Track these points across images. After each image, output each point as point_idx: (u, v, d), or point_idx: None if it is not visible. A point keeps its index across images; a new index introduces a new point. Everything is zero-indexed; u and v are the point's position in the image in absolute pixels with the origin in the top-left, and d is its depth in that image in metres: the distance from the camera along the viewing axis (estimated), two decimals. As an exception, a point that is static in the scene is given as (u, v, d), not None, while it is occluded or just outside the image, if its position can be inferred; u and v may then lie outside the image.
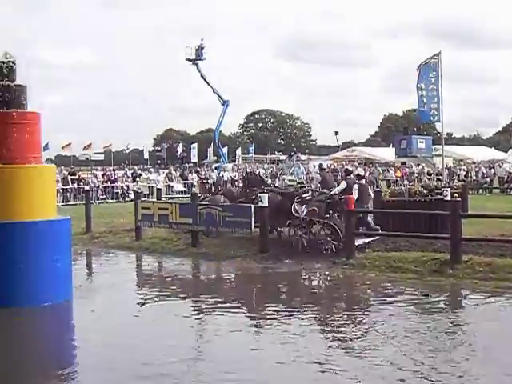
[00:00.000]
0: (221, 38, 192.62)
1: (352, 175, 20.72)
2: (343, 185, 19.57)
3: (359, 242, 18.37)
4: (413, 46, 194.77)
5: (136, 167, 59.09)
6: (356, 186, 19.28)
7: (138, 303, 14.25)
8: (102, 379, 9.25)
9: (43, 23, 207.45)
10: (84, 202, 28.78)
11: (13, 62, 14.09)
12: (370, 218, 19.60)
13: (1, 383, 9.32)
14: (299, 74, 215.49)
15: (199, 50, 78.22)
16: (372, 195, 21.07)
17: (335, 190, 19.65)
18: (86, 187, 37.06)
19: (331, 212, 19.00)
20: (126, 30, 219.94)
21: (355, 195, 18.70)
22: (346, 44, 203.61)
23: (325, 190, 20.96)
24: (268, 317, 12.71)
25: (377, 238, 19.01)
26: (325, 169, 30.93)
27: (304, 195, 20.15)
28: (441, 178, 31.64)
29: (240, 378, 9.03)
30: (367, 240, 18.79)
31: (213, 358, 9.97)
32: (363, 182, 20.72)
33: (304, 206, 19.35)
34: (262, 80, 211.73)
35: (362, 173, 22.35)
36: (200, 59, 78.47)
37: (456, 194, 19.15)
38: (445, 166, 38.74)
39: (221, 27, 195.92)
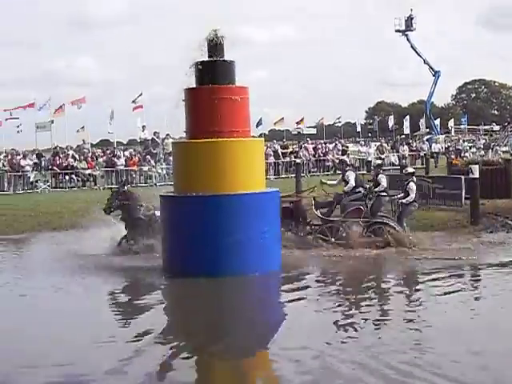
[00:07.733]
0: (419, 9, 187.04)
1: None
2: None
3: None
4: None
5: (343, 141, 58.93)
6: None
7: None
8: None
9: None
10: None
11: (221, 38, 14.51)
12: None
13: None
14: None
15: (409, 20, 76.46)
16: None
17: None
18: (298, 160, 37.30)
19: None
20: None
21: None
22: None
23: None
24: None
25: None
26: None
27: None
28: None
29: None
30: None
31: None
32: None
33: None
34: (469, 50, 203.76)
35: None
36: (410, 30, 76.77)
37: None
38: None
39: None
